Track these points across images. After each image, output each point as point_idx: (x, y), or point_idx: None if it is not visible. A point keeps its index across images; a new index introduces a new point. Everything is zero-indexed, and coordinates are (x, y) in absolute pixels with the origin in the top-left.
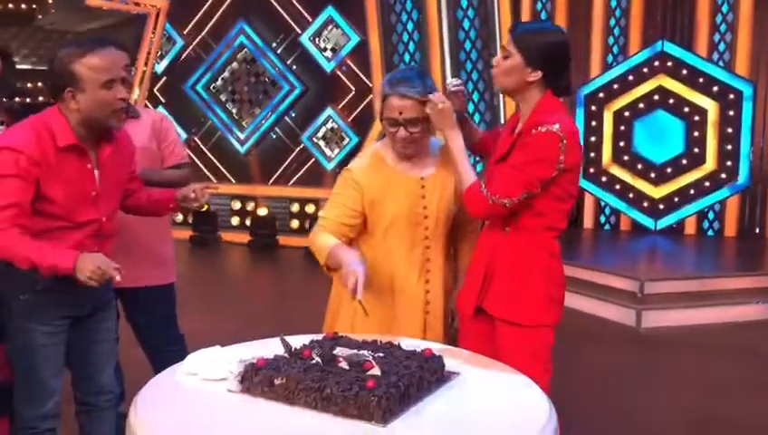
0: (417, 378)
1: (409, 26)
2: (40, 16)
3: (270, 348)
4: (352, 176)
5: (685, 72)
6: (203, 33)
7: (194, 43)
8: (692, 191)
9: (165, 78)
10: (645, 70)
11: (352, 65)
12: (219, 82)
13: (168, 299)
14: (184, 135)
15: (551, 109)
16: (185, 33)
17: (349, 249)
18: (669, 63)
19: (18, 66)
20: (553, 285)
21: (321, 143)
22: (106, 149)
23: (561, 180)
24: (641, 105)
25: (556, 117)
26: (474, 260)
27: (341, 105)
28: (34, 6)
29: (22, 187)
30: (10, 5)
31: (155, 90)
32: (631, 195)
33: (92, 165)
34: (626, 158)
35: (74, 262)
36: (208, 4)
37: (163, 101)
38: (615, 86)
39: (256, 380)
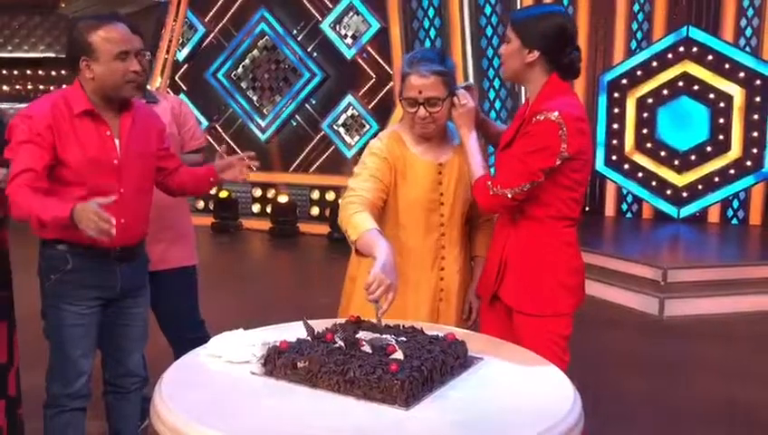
0: (440, 362)
1: (430, 12)
2: (63, 5)
3: (293, 332)
4: (377, 152)
5: (710, 57)
6: (224, 21)
7: (215, 31)
8: (716, 179)
9: (186, 65)
10: (669, 56)
11: (373, 52)
12: (240, 70)
13: (191, 282)
14: (205, 122)
15: (554, 94)
16: (206, 20)
17: (385, 244)
18: (695, 49)
19: (42, 54)
20: (566, 273)
21: (342, 130)
22: (126, 119)
23: (565, 169)
24: (665, 92)
25: (556, 103)
26: (490, 249)
27: (362, 92)
28: None
29: (37, 152)
30: None
31: (176, 77)
32: (654, 183)
33: (112, 133)
34: (649, 145)
35: (71, 210)
36: None
37: (184, 88)
38: (639, 72)
39: (279, 362)
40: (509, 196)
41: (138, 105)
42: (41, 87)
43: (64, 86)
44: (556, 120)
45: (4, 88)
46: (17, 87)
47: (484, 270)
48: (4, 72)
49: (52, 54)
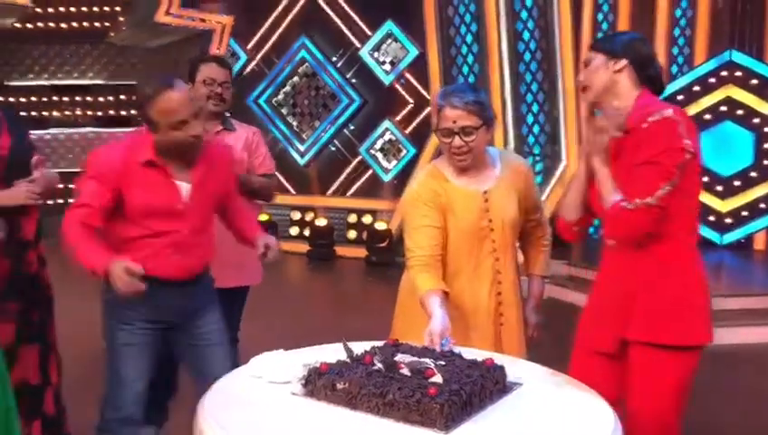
0: (480, 387)
1: (468, 39)
2: (112, 34)
3: (332, 353)
4: (419, 198)
5: (754, 81)
6: (265, 49)
7: (257, 58)
8: (762, 205)
9: None
10: (712, 80)
11: (411, 78)
12: (281, 96)
13: (244, 300)
14: None
15: (652, 102)
16: (248, 48)
17: (437, 308)
18: (738, 73)
19: (91, 81)
20: (705, 297)
21: (379, 155)
22: (199, 167)
23: (689, 170)
24: (708, 116)
25: (664, 105)
26: (603, 287)
27: (399, 117)
28: (107, 24)
29: (98, 190)
30: (84, 24)
31: None
32: None
33: (178, 180)
34: None
35: (105, 267)
36: (271, 19)
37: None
38: (680, 97)
39: (319, 383)
40: (653, 202)
41: (210, 148)
42: (89, 112)
43: (110, 112)
44: (672, 116)
45: (55, 114)
46: (66, 113)
47: (594, 317)
48: (55, 98)
49: (100, 81)
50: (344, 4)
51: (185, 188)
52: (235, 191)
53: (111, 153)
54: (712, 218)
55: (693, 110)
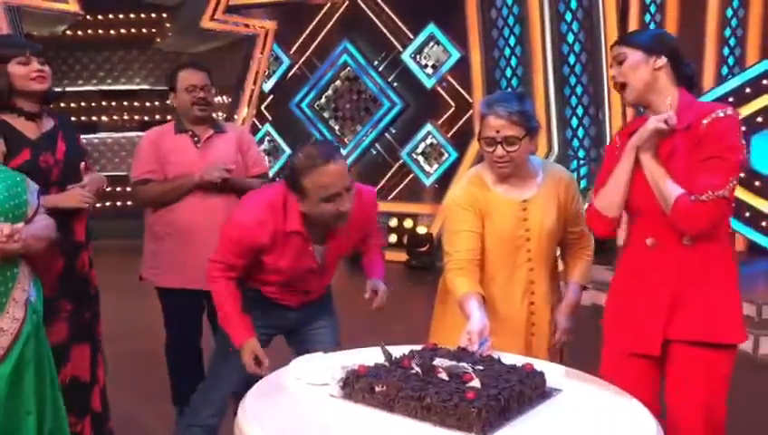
0: (518, 392)
1: (511, 41)
2: (158, 40)
3: (370, 356)
4: (460, 203)
5: None
6: (308, 53)
7: (300, 63)
8: None
9: (272, 96)
10: (764, 81)
11: (453, 81)
12: (323, 100)
13: None
14: (288, 150)
15: (695, 102)
16: (291, 52)
17: (476, 309)
18: None
19: (138, 87)
20: (739, 295)
21: (420, 159)
22: (337, 239)
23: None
24: (759, 119)
25: (718, 104)
26: (639, 289)
27: (441, 121)
28: (154, 30)
29: (241, 254)
30: (132, 30)
31: (262, 108)
32: (748, 214)
33: (315, 246)
34: (742, 175)
35: (240, 344)
36: (314, 24)
37: (270, 118)
38: (730, 99)
39: (358, 386)
40: (725, 195)
41: (354, 211)
42: (136, 117)
43: (157, 117)
44: (734, 115)
45: (104, 118)
46: (114, 117)
47: (629, 322)
48: (104, 103)
49: (147, 86)
50: (386, 8)
51: (319, 250)
52: (371, 231)
53: (261, 231)
54: (764, 224)
55: (744, 112)
